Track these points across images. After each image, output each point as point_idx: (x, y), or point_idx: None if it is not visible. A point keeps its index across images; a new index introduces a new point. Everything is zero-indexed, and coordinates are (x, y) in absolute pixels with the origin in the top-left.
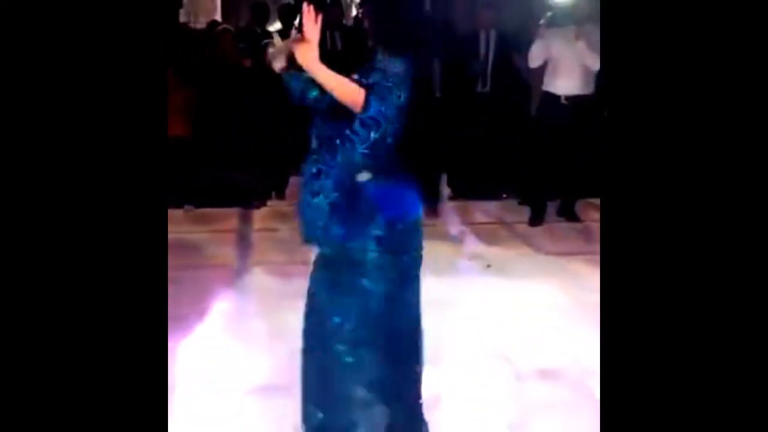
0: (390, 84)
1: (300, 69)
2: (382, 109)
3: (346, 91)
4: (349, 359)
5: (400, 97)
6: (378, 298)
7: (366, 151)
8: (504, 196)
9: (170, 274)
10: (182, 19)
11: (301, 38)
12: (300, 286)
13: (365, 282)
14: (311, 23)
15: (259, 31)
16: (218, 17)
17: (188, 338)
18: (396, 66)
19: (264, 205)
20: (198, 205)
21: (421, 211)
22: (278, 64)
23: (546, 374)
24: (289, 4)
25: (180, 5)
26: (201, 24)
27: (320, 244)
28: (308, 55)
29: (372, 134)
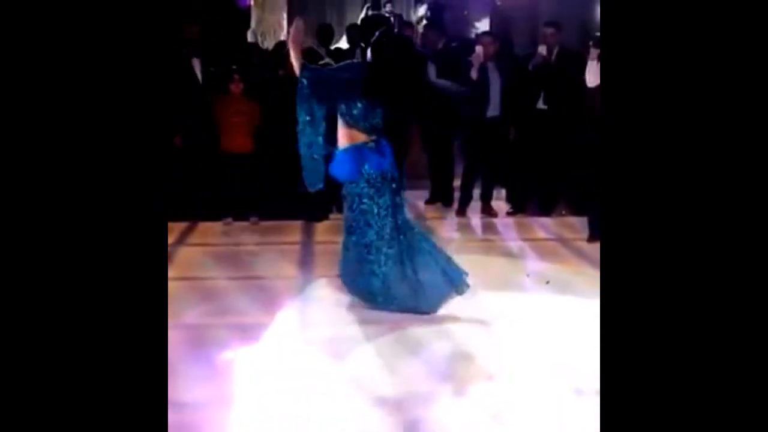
0: None
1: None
2: None
3: None
4: None
5: None
6: None
7: None
8: (563, 212)
9: (237, 284)
10: (250, 39)
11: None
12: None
13: None
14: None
15: (322, 51)
16: (284, 37)
17: (254, 346)
18: None
19: (326, 218)
20: (262, 218)
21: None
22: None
23: None
24: (355, 24)
25: (248, 27)
26: (269, 44)
27: None
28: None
29: None
